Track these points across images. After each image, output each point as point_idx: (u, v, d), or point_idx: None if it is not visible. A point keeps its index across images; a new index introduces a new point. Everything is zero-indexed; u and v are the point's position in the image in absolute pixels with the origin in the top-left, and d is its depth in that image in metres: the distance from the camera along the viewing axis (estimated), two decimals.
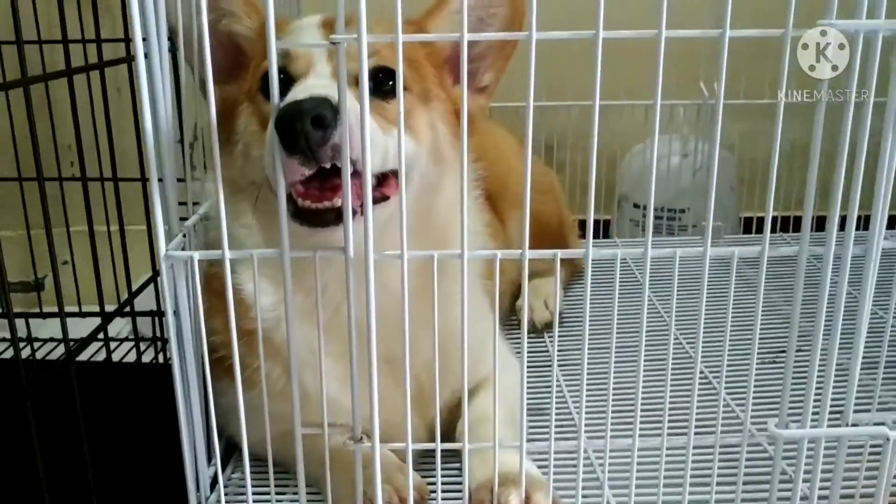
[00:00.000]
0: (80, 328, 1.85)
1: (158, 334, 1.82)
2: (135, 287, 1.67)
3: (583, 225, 2.22)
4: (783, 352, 1.28)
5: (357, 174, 0.88)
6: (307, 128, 0.84)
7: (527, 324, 1.56)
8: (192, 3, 1.06)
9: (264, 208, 1.07)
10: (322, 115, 0.85)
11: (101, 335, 1.49)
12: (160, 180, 0.92)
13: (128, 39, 1.65)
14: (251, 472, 0.97)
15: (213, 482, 1.12)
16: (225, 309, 1.04)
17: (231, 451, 1.25)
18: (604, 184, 2.28)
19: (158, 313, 1.73)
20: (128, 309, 1.81)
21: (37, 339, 1.84)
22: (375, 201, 0.94)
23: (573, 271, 1.90)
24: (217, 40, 1.10)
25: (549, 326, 1.67)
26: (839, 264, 0.89)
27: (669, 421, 0.95)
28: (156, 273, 1.67)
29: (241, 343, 0.95)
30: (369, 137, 0.84)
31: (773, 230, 2.22)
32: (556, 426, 1.26)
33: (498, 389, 1.15)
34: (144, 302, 1.70)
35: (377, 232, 0.87)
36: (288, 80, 0.99)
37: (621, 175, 2.29)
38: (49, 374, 1.56)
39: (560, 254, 0.93)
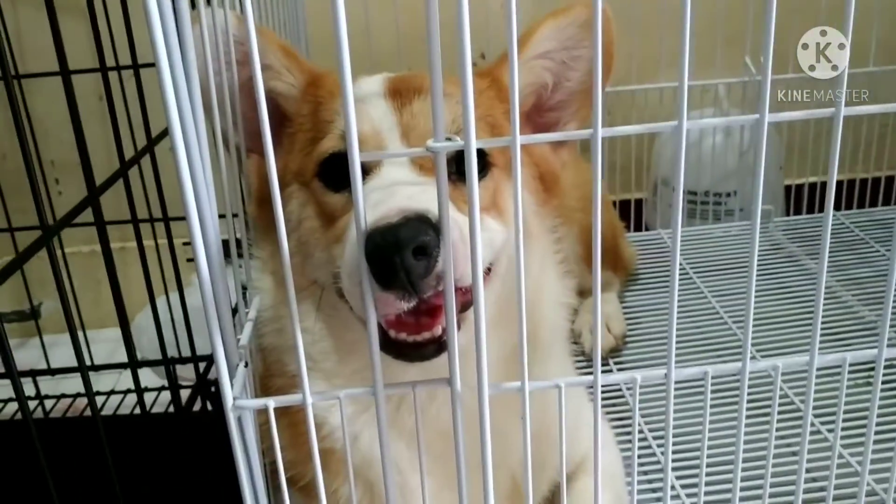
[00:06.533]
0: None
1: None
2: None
3: (621, 206, 2.11)
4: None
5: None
6: (409, 262, 0.68)
7: (588, 351, 1.46)
8: (221, 55, 0.88)
9: (329, 311, 0.91)
10: (425, 243, 0.68)
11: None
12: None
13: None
14: None
15: None
16: (289, 423, 0.92)
17: None
18: (644, 163, 2.12)
19: (195, 359, 1.56)
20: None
21: (47, 397, 1.67)
22: (465, 307, 0.80)
23: (626, 276, 1.76)
24: (253, 100, 0.91)
25: (613, 352, 1.54)
26: None
27: None
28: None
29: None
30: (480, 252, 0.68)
31: (814, 200, 2.10)
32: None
33: (600, 472, 1.04)
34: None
35: (465, 337, 0.73)
36: None
37: (658, 154, 2.12)
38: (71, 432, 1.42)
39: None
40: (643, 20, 1.76)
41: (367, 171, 0.82)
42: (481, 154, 0.87)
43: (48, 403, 1.69)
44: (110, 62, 1.49)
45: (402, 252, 0.67)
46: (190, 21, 0.69)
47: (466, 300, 0.78)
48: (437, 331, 0.77)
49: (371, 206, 0.74)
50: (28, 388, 1.70)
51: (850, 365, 0.80)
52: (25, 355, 2.12)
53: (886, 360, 0.80)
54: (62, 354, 1.84)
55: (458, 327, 0.79)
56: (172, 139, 0.68)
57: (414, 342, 0.77)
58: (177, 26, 0.67)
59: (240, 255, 0.94)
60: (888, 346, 0.80)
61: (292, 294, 0.70)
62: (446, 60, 0.63)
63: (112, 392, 1.68)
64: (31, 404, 1.68)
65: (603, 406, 1.33)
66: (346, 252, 0.78)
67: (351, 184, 0.65)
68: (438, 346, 0.77)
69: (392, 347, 0.78)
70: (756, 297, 1.64)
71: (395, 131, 0.85)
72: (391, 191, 0.76)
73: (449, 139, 0.66)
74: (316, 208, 0.88)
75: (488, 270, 0.88)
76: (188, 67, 0.69)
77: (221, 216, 0.87)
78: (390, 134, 0.85)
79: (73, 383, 1.81)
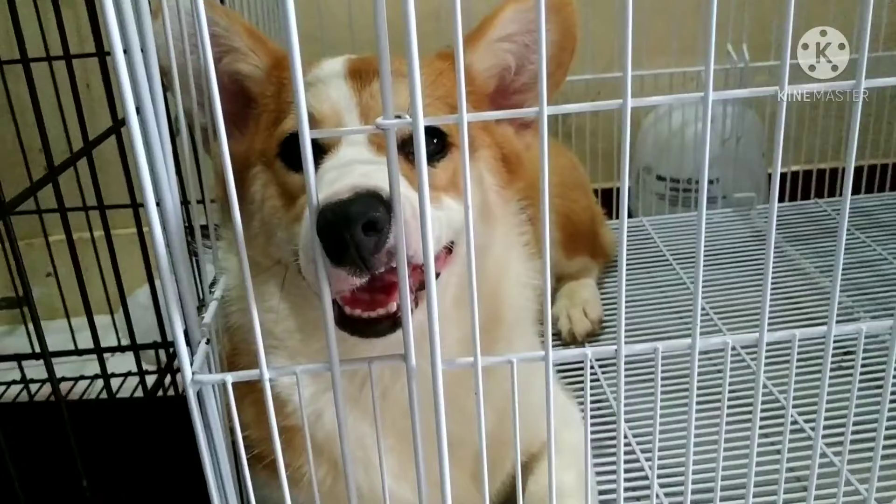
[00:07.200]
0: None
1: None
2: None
3: (603, 194, 2.12)
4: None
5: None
6: (359, 237, 0.69)
7: (566, 336, 1.47)
8: (186, 40, 0.89)
9: (293, 290, 0.92)
10: (375, 219, 0.69)
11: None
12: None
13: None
14: None
15: None
16: (254, 401, 0.93)
17: None
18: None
19: (164, 344, 1.58)
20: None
21: (32, 381, 1.69)
22: (423, 285, 0.81)
23: (605, 263, 1.77)
24: (218, 83, 0.92)
25: (590, 336, 1.55)
26: None
27: None
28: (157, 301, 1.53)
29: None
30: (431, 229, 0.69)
31: (796, 188, 2.11)
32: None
33: (565, 452, 1.05)
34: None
35: (423, 315, 0.73)
36: (316, 149, 0.83)
37: (641, 142, 2.13)
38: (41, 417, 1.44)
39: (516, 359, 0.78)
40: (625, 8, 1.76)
41: (325, 150, 0.83)
42: (441, 134, 0.88)
43: (33, 387, 1.70)
44: (90, 49, 1.52)
45: (352, 228, 0.69)
46: (148, 6, 0.70)
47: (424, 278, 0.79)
48: (392, 307, 0.78)
49: (326, 184, 0.76)
50: (15, 373, 1.72)
51: (801, 341, 0.82)
52: (16, 341, 2.14)
53: (838, 336, 0.82)
54: (52, 340, 1.85)
55: (416, 305, 0.80)
56: (128, 124, 0.69)
57: (369, 318, 0.78)
58: (134, 11, 0.68)
59: (206, 237, 0.96)
60: (840, 322, 0.82)
61: (247, 271, 0.71)
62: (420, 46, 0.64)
63: (96, 376, 1.70)
64: (17, 388, 1.70)
65: (574, 388, 1.35)
66: (303, 230, 0.79)
67: (302, 161, 0.67)
68: (393, 322, 0.78)
69: (348, 324, 0.79)
70: (737, 283, 1.66)
71: (355, 111, 0.86)
72: (346, 169, 0.78)
73: (399, 116, 0.67)
74: (278, 188, 0.89)
75: (449, 250, 0.89)
76: (147, 52, 0.71)
77: (188, 202, 0.89)
78: (349, 114, 0.86)
79: (61, 368, 1.83)
